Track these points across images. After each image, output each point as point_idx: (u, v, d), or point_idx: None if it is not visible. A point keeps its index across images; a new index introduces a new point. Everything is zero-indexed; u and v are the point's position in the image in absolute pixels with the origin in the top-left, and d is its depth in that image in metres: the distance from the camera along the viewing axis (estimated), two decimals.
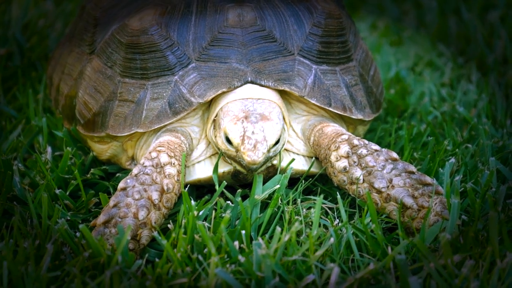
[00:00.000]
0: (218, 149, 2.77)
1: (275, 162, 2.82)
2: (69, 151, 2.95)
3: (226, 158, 2.79)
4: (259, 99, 2.77)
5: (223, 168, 2.83)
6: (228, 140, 2.67)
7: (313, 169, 2.88)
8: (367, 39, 4.90)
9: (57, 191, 2.80)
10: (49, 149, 3.09)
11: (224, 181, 2.73)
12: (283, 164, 2.85)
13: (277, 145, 2.69)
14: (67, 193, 2.87)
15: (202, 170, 2.87)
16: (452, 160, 2.90)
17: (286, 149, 2.92)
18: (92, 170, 2.99)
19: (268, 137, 2.64)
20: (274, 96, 2.82)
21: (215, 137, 2.76)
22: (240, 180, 2.86)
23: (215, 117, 2.79)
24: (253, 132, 2.63)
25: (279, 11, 2.93)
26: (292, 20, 2.92)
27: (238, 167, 2.78)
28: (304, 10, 2.95)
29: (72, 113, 3.06)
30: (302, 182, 2.85)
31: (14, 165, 2.92)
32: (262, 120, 2.67)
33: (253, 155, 2.60)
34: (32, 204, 2.64)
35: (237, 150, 2.65)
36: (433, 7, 5.37)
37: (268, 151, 2.64)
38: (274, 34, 2.89)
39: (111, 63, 2.94)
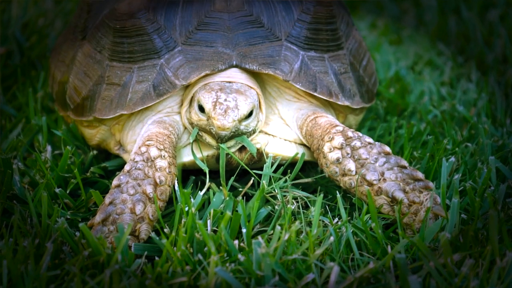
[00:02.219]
0: (192, 125, 2.79)
1: (258, 146, 2.83)
2: (69, 150, 2.95)
3: (201, 136, 2.79)
4: (237, 82, 2.79)
5: (207, 151, 2.85)
6: (201, 109, 2.71)
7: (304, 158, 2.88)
8: (366, 38, 4.90)
9: (57, 190, 2.80)
10: (48, 148, 3.09)
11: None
12: (270, 149, 2.87)
13: (249, 120, 2.73)
14: (67, 192, 2.87)
15: (186, 154, 2.88)
16: (452, 159, 2.90)
17: (272, 135, 2.93)
18: (91, 169, 2.99)
19: (240, 106, 2.68)
20: (254, 84, 2.84)
21: (190, 113, 2.79)
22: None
23: (191, 98, 2.82)
24: (225, 100, 2.67)
25: None
26: (280, 6, 2.93)
27: (209, 139, 2.77)
28: None
29: (63, 98, 3.08)
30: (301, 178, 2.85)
31: (14, 164, 2.92)
32: (236, 93, 2.71)
33: (223, 119, 2.64)
34: (32, 203, 2.64)
35: (208, 118, 2.68)
36: (432, 6, 5.37)
37: (239, 121, 2.68)
38: (261, 19, 2.90)
39: (100, 48, 2.96)
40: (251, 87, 2.80)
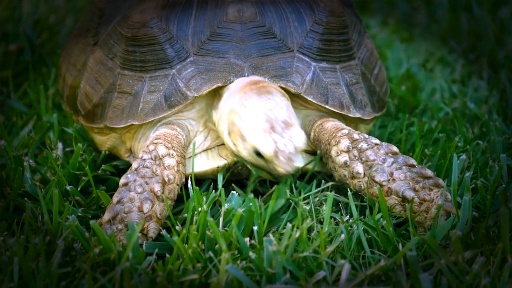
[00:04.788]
0: (236, 155, 2.73)
1: None
2: (80, 147, 2.96)
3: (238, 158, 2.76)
4: (269, 87, 2.71)
5: (218, 162, 2.84)
6: (258, 153, 2.60)
7: (309, 166, 2.87)
8: (378, 35, 4.90)
9: (68, 187, 2.80)
10: (60, 145, 3.09)
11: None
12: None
13: None
14: (78, 189, 2.87)
15: (197, 164, 2.86)
16: (463, 156, 2.90)
17: None
18: (103, 166, 2.99)
19: (297, 143, 2.57)
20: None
21: (236, 145, 2.67)
22: (235, 175, 2.86)
23: (227, 117, 2.72)
24: (284, 144, 2.55)
25: (280, 8, 2.92)
26: (293, 17, 2.92)
27: (264, 174, 2.74)
28: (306, 7, 2.94)
29: (74, 103, 3.08)
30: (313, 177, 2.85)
31: (25, 161, 2.93)
32: (287, 128, 2.59)
33: (288, 167, 2.53)
34: (43, 200, 2.64)
35: (269, 162, 2.58)
36: (443, 3, 5.36)
37: None
38: (273, 30, 2.88)
39: (112, 55, 2.95)
40: (275, 88, 2.73)
